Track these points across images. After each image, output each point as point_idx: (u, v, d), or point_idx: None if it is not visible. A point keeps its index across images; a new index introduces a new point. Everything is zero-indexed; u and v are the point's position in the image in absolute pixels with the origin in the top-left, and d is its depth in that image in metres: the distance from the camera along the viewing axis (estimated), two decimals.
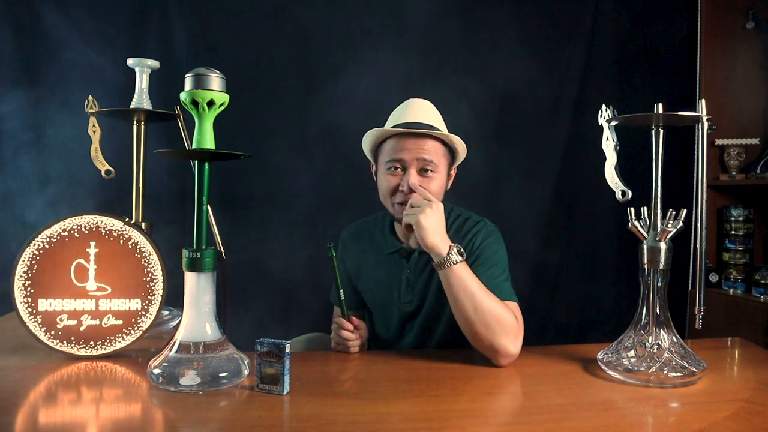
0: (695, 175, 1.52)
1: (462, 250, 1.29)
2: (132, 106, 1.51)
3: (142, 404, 1.05)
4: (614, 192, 1.25)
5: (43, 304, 1.26)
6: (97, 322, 1.28)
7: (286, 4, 2.39)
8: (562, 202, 2.60)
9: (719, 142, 2.57)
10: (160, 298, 1.30)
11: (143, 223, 1.54)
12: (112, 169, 1.60)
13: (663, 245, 1.19)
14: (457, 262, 1.26)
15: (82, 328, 1.27)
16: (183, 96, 1.09)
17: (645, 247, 1.21)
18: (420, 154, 1.39)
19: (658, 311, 1.20)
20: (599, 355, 1.24)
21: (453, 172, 1.51)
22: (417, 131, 1.39)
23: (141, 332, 1.29)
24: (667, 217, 1.19)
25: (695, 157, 2.30)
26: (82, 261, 1.28)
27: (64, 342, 1.26)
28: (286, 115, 2.41)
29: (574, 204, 2.61)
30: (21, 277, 1.25)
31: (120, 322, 1.29)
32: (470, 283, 1.25)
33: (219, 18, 2.37)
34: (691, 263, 2.39)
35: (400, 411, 1.03)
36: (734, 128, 2.57)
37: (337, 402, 1.06)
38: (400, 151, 1.40)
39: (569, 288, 2.62)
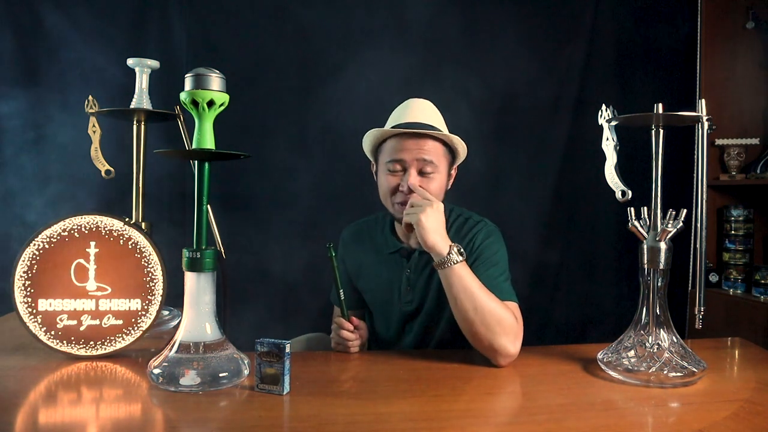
0: (695, 175, 1.52)
1: (462, 249, 1.28)
2: (132, 106, 1.51)
3: (142, 404, 1.05)
4: (614, 192, 1.25)
5: (43, 304, 1.26)
6: (97, 322, 1.28)
7: (286, 4, 2.39)
8: (562, 202, 2.60)
9: (719, 142, 2.57)
10: (160, 298, 1.30)
11: (143, 223, 1.54)
12: (112, 169, 1.60)
13: (663, 245, 1.19)
14: (457, 262, 1.26)
15: (82, 328, 1.27)
16: (183, 96, 1.09)
17: (645, 247, 1.21)
18: (420, 154, 1.39)
19: (658, 311, 1.20)
20: (599, 355, 1.24)
21: (453, 172, 1.51)
22: (417, 131, 1.39)
23: (141, 332, 1.29)
24: (667, 217, 1.19)
25: (695, 157, 2.30)
26: (82, 261, 1.28)
27: (64, 342, 1.26)
28: (286, 115, 2.41)
29: (574, 204, 2.61)
30: (21, 277, 1.25)
31: (120, 322, 1.29)
32: (470, 282, 1.25)
33: (219, 18, 2.38)
34: (691, 263, 2.39)
35: (400, 411, 1.03)
36: (734, 128, 2.57)
37: (337, 402, 1.06)
38: (400, 152, 1.40)
39: (569, 288, 2.62)
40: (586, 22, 2.58)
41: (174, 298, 1.30)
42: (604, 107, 1.25)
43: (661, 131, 1.22)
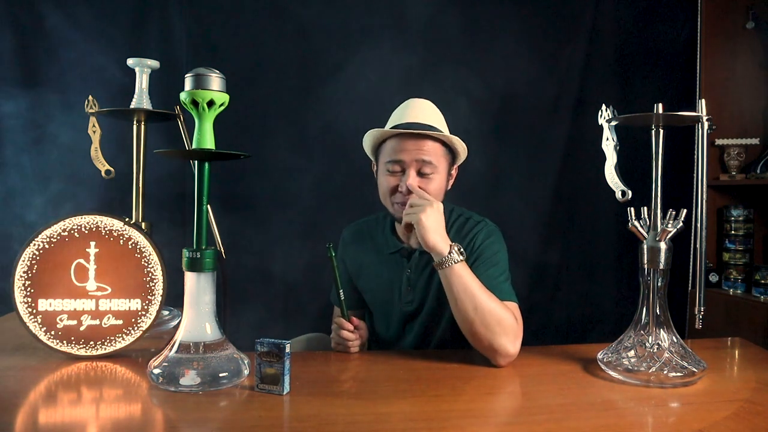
0: (695, 175, 1.53)
1: (462, 249, 1.28)
2: (132, 106, 1.51)
3: (142, 404, 1.05)
4: (614, 192, 1.25)
5: (43, 304, 1.26)
6: (97, 322, 1.28)
7: (286, 4, 2.39)
8: (562, 202, 2.60)
9: (719, 142, 2.57)
10: (160, 298, 1.30)
11: (143, 223, 1.54)
12: (112, 169, 1.60)
13: (663, 245, 1.19)
14: (457, 262, 1.26)
15: (82, 328, 1.27)
16: (183, 96, 1.09)
17: (645, 247, 1.21)
18: (419, 155, 1.38)
19: (658, 311, 1.20)
20: (599, 355, 1.24)
21: (453, 173, 1.50)
22: (416, 132, 1.39)
23: (141, 332, 1.29)
24: (667, 217, 1.19)
25: (695, 157, 2.30)
26: (82, 261, 1.28)
27: (64, 342, 1.26)
28: (286, 115, 2.41)
29: (574, 204, 2.61)
30: (21, 277, 1.25)
31: (120, 322, 1.29)
32: (470, 282, 1.25)
33: (219, 18, 2.37)
34: (691, 263, 2.39)
35: (400, 411, 1.03)
36: (734, 128, 2.57)
37: (337, 402, 1.06)
38: (400, 152, 1.40)
39: (569, 288, 2.62)
40: (586, 22, 2.58)
41: (174, 298, 1.30)
42: (604, 107, 1.25)
43: (661, 131, 1.22)
